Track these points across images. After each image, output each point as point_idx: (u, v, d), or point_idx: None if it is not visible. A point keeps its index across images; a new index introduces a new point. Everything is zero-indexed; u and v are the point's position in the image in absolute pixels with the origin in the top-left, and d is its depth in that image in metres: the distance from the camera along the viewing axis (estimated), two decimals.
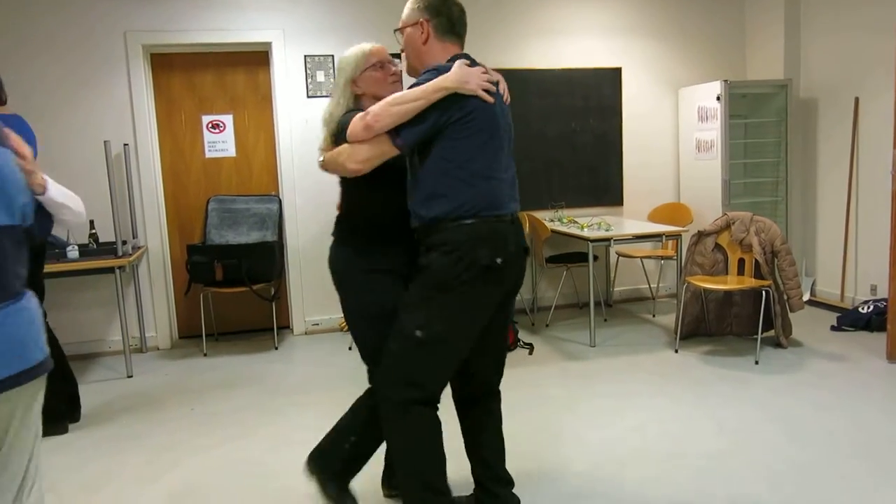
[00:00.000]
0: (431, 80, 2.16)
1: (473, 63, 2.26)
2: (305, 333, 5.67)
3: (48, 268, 4.38)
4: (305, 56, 5.43)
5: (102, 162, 5.07)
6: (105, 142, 4.70)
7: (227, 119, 5.57)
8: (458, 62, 2.21)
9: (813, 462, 3.05)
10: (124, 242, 4.83)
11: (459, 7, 2.35)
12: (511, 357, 4.78)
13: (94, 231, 4.94)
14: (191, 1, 5.18)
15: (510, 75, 5.78)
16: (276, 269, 5.29)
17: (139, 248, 5.19)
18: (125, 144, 5.18)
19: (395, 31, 2.40)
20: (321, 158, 2.36)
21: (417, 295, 2.28)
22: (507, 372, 4.46)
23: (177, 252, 5.52)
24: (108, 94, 5.14)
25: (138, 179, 5.28)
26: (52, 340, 3.84)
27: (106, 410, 4.14)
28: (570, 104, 5.95)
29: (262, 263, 5.16)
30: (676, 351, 4.71)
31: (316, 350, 5.23)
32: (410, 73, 2.36)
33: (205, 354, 5.18)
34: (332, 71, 5.50)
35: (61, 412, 3.84)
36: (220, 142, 5.58)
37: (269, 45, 5.38)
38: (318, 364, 4.87)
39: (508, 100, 2.38)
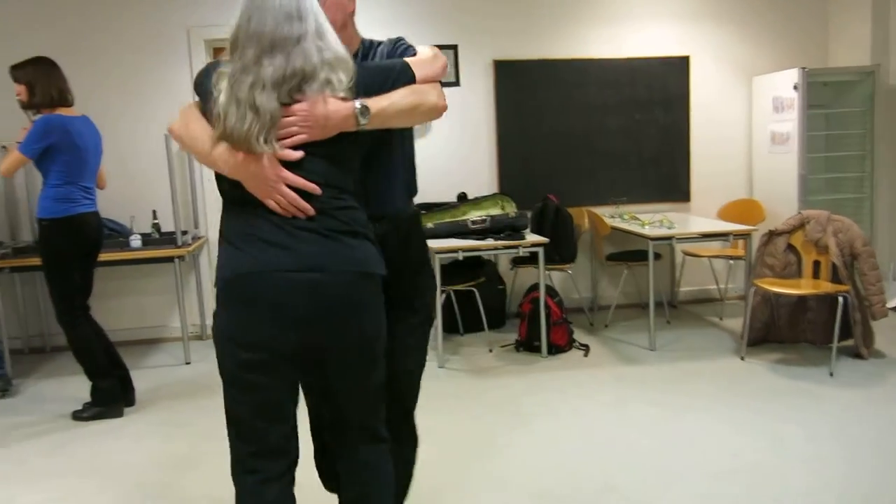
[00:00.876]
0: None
1: None
2: None
3: (111, 255, 4.52)
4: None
5: (165, 154, 5.16)
6: (166, 134, 4.79)
7: None
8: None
9: (883, 488, 2.79)
10: (184, 233, 4.92)
11: None
12: (565, 358, 4.62)
13: (156, 221, 5.05)
14: None
15: (570, 65, 5.59)
16: None
17: (199, 238, 5.28)
18: None
19: None
20: (361, 106, 1.74)
21: (426, 296, 2.14)
22: (558, 374, 4.31)
23: None
24: (171, 88, 5.24)
25: (200, 172, 5.36)
26: (97, 330, 3.95)
27: (161, 395, 4.23)
28: (634, 95, 5.70)
29: None
30: (742, 358, 4.45)
31: None
32: None
33: None
34: None
35: (116, 396, 3.94)
36: None
37: None
38: None
39: None
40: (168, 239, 4.90)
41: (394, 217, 2.01)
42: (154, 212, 5.08)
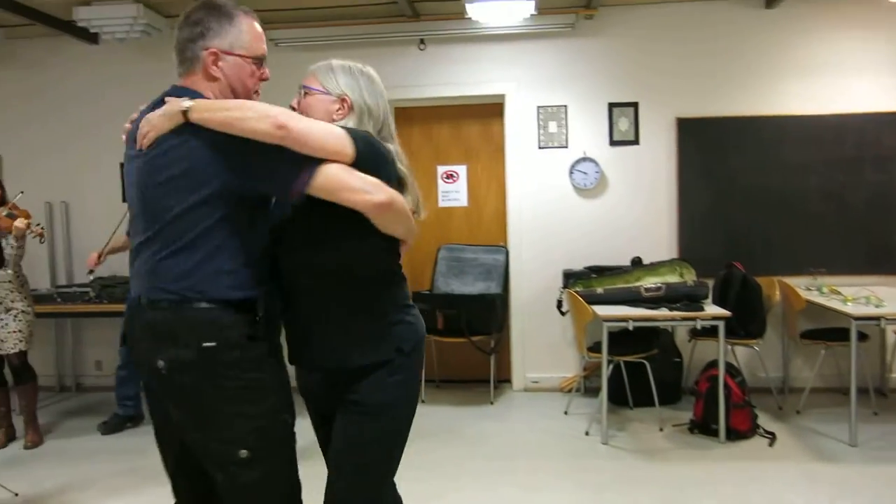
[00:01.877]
0: None
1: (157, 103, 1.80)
2: (524, 390, 5.47)
3: None
4: (538, 107, 5.34)
5: None
6: None
7: (461, 169, 5.65)
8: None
9: None
10: None
11: (181, 20, 1.87)
12: (746, 447, 4.13)
13: None
14: (433, 57, 5.37)
15: (763, 122, 5.15)
16: (496, 322, 5.19)
17: None
18: None
19: None
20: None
21: None
22: (737, 464, 3.85)
23: None
24: None
25: None
26: None
27: (315, 450, 4.29)
28: (839, 154, 5.11)
29: (483, 316, 5.10)
30: None
31: (531, 409, 5.02)
32: None
33: (422, 401, 5.22)
34: (564, 122, 5.33)
35: None
36: (454, 192, 5.68)
37: (502, 96, 5.37)
38: (531, 426, 4.65)
39: (143, 145, 1.77)
40: None
41: None
42: None
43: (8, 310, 4.18)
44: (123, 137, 1.88)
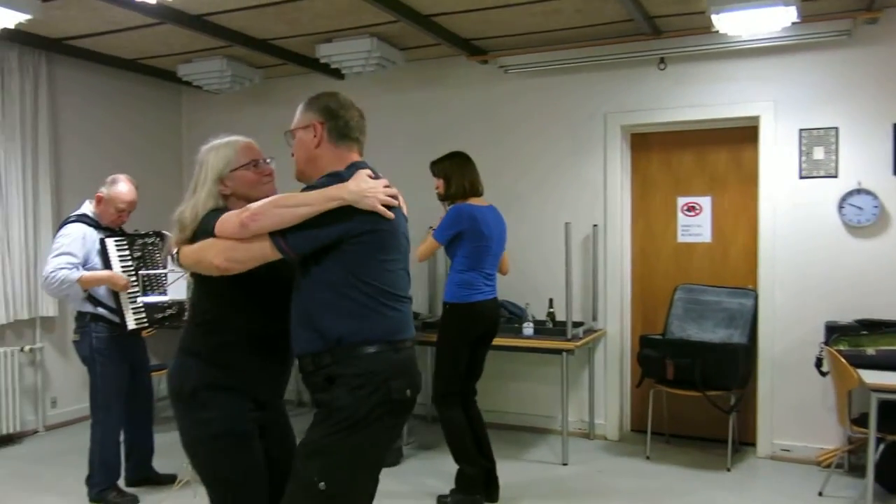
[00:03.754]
0: (328, 185, 2.04)
1: (376, 175, 2.13)
2: (771, 458, 4.69)
3: (503, 340, 4.52)
4: (800, 130, 4.58)
5: (564, 242, 5.02)
6: (566, 223, 4.71)
7: (705, 201, 5.06)
8: (359, 171, 2.08)
9: None
10: (577, 325, 4.74)
11: (359, 112, 2.28)
12: None
13: (552, 310, 4.99)
14: (675, 77, 4.88)
15: None
16: (737, 377, 4.51)
17: (595, 331, 5.03)
18: (594, 225, 5.12)
19: (286, 132, 2.29)
20: (175, 251, 2.19)
21: (320, 438, 2.06)
22: None
23: (637, 339, 5.19)
24: (582, 176, 5.17)
25: (604, 261, 5.15)
26: (474, 416, 3.93)
27: (527, 494, 4.06)
28: None
29: (721, 368, 4.46)
30: None
31: (777, 483, 4.28)
32: (299, 178, 2.27)
33: (647, 457, 4.71)
34: (833, 147, 4.51)
35: (477, 485, 3.88)
36: (695, 226, 5.11)
37: (756, 119, 4.71)
38: None
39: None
40: (560, 330, 4.76)
41: (307, 357, 2.20)
42: (550, 300, 5.01)
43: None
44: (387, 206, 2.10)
